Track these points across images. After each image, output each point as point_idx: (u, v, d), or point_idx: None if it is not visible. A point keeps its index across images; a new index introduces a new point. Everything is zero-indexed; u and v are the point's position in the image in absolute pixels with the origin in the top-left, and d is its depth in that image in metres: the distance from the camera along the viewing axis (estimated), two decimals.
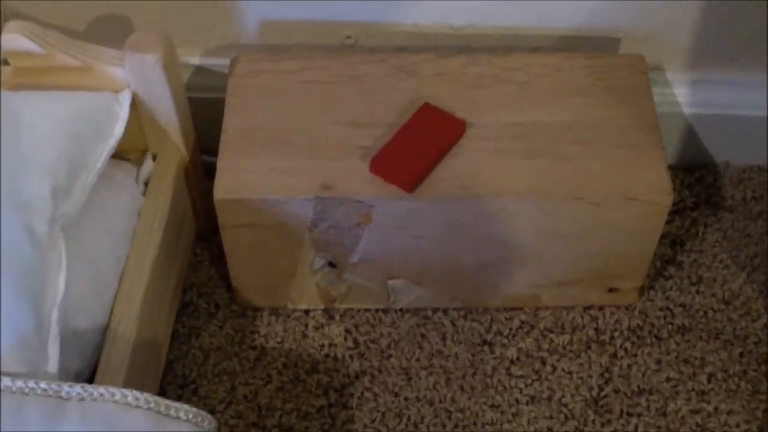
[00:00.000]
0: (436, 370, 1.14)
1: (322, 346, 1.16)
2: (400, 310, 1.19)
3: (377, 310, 1.19)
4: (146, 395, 0.86)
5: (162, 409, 0.87)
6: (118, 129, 1.04)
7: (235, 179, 1.05)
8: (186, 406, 0.88)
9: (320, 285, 1.15)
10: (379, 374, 1.14)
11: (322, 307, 1.19)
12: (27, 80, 1.05)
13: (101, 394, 0.85)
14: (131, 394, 0.85)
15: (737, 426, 1.10)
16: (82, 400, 0.85)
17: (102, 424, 0.84)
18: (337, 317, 1.18)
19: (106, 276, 1.03)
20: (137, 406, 0.86)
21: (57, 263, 0.95)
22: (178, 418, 0.87)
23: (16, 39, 1.02)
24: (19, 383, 0.85)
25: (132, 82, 1.06)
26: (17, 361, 0.88)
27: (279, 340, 1.17)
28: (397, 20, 1.18)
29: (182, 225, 1.16)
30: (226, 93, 1.12)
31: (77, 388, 0.85)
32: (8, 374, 0.86)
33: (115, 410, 0.85)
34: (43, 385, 0.85)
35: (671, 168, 1.30)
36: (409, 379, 1.14)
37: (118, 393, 0.86)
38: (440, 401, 1.12)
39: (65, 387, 0.86)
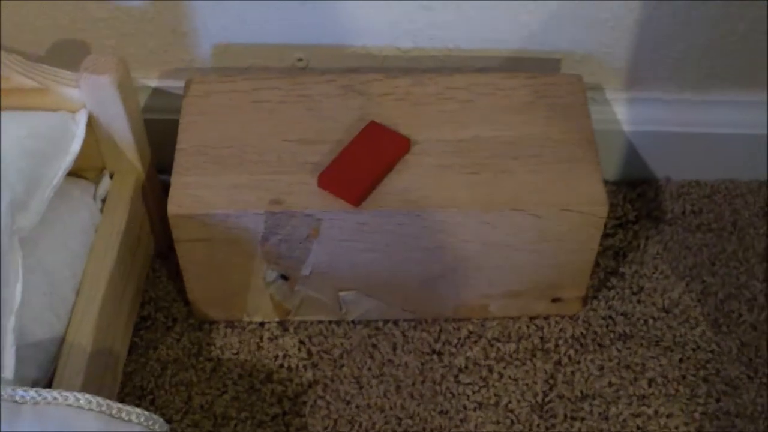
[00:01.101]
0: (386, 378, 1.18)
1: (277, 356, 1.20)
2: (352, 321, 1.23)
3: (330, 322, 1.22)
4: (98, 399, 0.89)
5: (114, 412, 0.90)
6: (75, 147, 1.08)
7: (188, 195, 1.09)
8: (138, 410, 0.91)
9: (274, 298, 1.19)
10: (331, 383, 1.18)
11: (276, 319, 1.22)
12: None
13: (54, 398, 0.88)
14: (84, 398, 0.88)
15: (676, 428, 1.14)
16: (36, 403, 0.88)
17: (55, 426, 0.87)
18: (291, 329, 1.22)
19: (63, 289, 1.07)
20: (90, 409, 0.88)
21: (14, 274, 0.98)
22: (129, 420, 0.90)
23: None
24: None
25: (88, 102, 1.09)
26: None
27: (234, 351, 1.20)
28: (346, 43, 1.23)
29: (139, 241, 1.20)
30: (181, 112, 1.16)
31: (31, 392, 0.88)
32: None
33: (68, 413, 0.88)
34: None
35: (614, 184, 1.36)
36: (361, 387, 1.17)
37: (71, 396, 0.88)
38: (390, 408, 1.16)
39: (19, 391, 0.88)
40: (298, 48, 1.24)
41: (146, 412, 0.91)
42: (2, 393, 0.88)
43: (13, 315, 0.96)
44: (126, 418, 0.90)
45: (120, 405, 0.90)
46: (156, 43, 1.24)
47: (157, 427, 0.92)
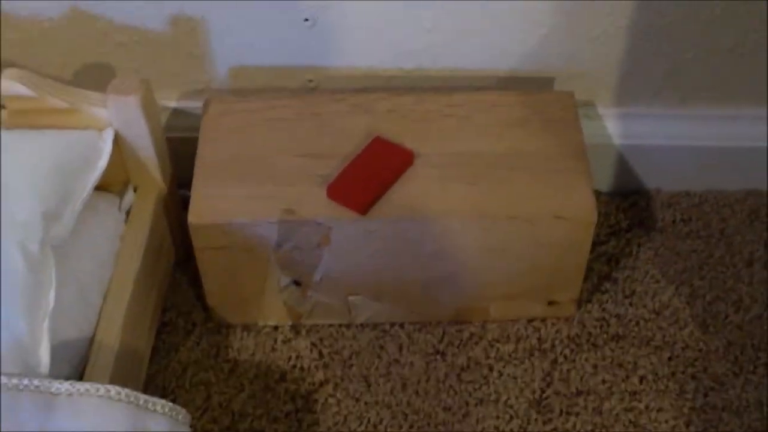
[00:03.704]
0: (393, 377, 1.26)
1: (290, 358, 1.28)
2: (360, 324, 1.30)
3: (339, 325, 1.30)
4: (127, 390, 0.97)
5: (141, 402, 0.98)
6: (102, 162, 1.17)
7: (207, 205, 1.18)
8: (162, 401, 0.99)
9: (287, 302, 1.27)
10: (341, 382, 1.25)
11: (289, 323, 1.30)
12: (21, 121, 1.17)
13: (87, 390, 0.97)
14: (114, 389, 0.97)
15: (666, 422, 1.21)
16: (70, 395, 0.96)
17: (88, 416, 0.95)
18: (303, 332, 1.30)
19: (92, 293, 1.15)
20: (119, 400, 0.97)
21: (48, 280, 1.06)
22: (155, 411, 0.98)
23: (13, 85, 1.15)
24: (15, 380, 0.96)
25: (114, 121, 1.18)
26: (14, 363, 0.99)
27: (251, 353, 1.28)
28: (353, 64, 1.32)
29: (161, 249, 1.28)
30: (200, 129, 1.25)
31: (66, 385, 0.97)
32: (5, 374, 0.98)
33: (99, 404, 0.96)
34: (36, 382, 0.96)
35: (607, 194, 1.44)
36: (369, 385, 1.25)
37: (102, 388, 0.97)
38: (397, 405, 1.23)
39: (55, 384, 0.97)
40: (308, 70, 1.33)
41: (170, 404, 0.99)
42: (39, 384, 0.97)
43: (47, 317, 1.05)
44: (152, 409, 0.99)
45: (146, 396, 0.99)
46: (175, 66, 1.33)
47: (180, 417, 1.01)
